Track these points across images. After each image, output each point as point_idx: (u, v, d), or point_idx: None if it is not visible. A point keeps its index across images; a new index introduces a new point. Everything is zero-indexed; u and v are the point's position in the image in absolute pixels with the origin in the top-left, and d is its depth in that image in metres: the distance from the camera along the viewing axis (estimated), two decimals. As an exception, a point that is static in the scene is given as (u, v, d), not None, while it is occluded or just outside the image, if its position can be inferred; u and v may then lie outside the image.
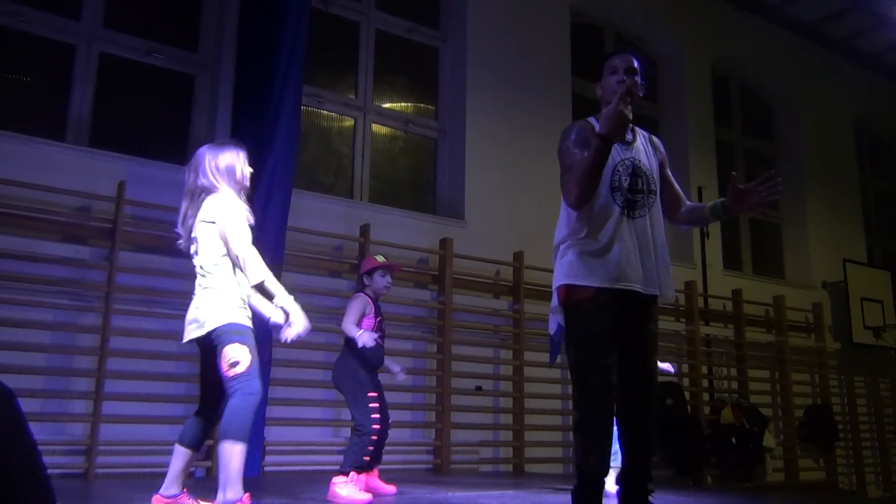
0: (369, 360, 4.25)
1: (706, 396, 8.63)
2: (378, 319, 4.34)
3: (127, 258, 5.43)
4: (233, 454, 2.77)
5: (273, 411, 5.64)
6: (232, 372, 2.87)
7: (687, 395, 8.12)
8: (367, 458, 4.08)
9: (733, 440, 7.94)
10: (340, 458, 5.85)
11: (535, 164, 7.83)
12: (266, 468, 5.63)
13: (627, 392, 2.79)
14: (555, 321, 2.93)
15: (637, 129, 3.06)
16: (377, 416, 4.13)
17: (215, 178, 3.15)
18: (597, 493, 2.68)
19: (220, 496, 2.76)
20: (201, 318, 2.99)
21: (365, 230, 6.52)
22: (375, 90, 7.54)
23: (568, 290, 2.83)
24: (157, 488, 3.12)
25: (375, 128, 7.55)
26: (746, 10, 10.38)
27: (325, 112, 7.34)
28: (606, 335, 2.75)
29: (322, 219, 6.44)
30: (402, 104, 7.87)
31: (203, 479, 5.19)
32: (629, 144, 2.98)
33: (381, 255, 4.60)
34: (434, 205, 7.67)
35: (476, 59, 7.82)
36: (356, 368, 4.21)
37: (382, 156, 7.64)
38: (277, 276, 5.62)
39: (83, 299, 5.40)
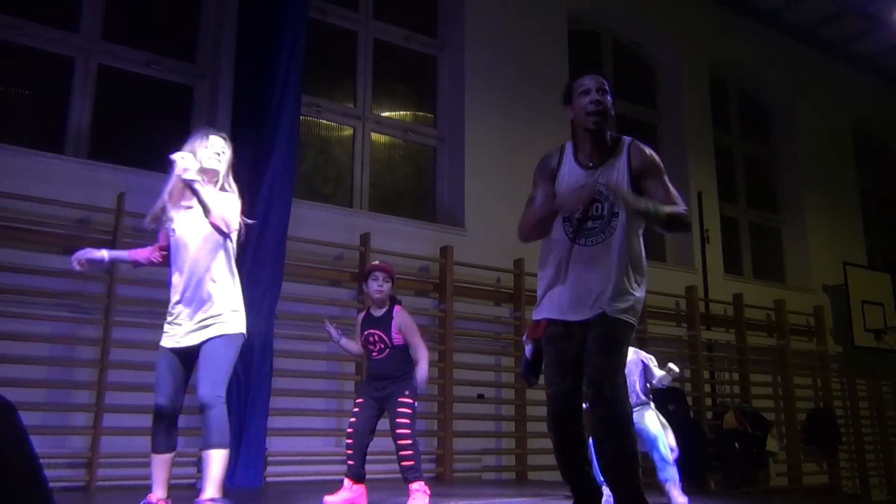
0: (371, 373, 4.19)
1: (708, 401, 8.61)
2: (365, 333, 4.14)
3: (127, 270, 5.41)
4: (217, 459, 3.02)
5: (274, 422, 5.62)
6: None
7: (689, 400, 8.10)
8: (350, 463, 4.05)
9: (736, 445, 7.92)
10: (342, 467, 5.84)
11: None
12: (268, 479, 5.60)
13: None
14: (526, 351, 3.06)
15: (620, 139, 3.00)
16: (351, 419, 4.10)
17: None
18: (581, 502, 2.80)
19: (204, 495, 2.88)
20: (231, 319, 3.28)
21: (365, 239, 6.52)
22: (374, 99, 7.55)
23: (531, 326, 2.99)
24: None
25: (374, 136, 7.55)
26: (743, 15, 10.40)
27: (324, 121, 7.35)
28: (554, 364, 2.87)
29: (322, 228, 6.43)
30: (401, 112, 7.87)
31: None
32: (593, 168, 2.94)
33: (376, 261, 4.54)
34: (434, 213, 7.67)
35: (474, 66, 7.83)
36: None
37: (382, 164, 7.64)
38: (278, 286, 5.62)
39: (83, 311, 5.39)
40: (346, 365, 6.36)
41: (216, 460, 2.95)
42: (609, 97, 2.94)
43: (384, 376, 4.09)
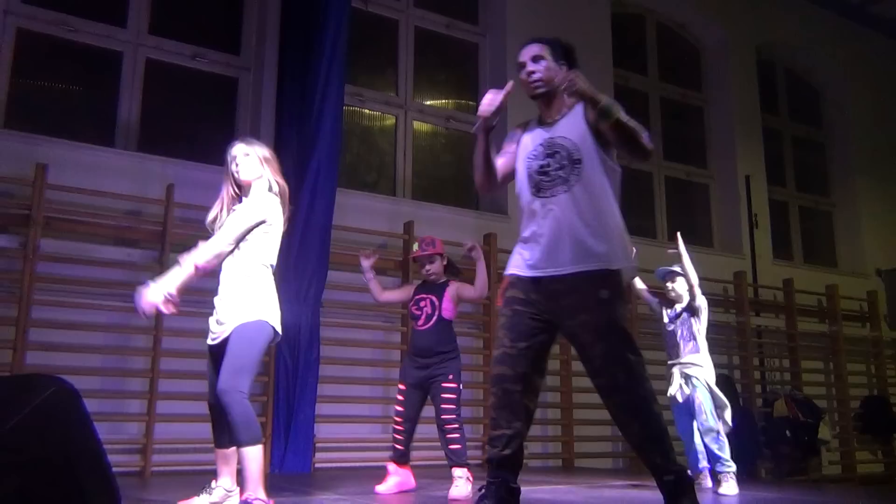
0: (413, 346, 4.24)
1: (758, 388, 8.47)
2: (416, 298, 4.25)
3: (177, 260, 5.50)
4: (251, 456, 2.87)
5: (322, 409, 5.69)
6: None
7: (738, 387, 7.98)
8: (399, 448, 4.08)
9: (787, 433, 7.78)
10: (389, 453, 5.88)
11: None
12: (316, 465, 5.67)
13: (594, 385, 2.77)
14: None
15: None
16: (397, 407, 4.13)
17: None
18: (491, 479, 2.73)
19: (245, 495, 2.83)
20: None
21: (409, 227, 6.54)
22: (416, 87, 7.55)
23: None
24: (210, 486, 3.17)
25: (417, 125, 7.56)
26: (792, -7, 10.14)
27: (367, 111, 7.37)
28: (507, 326, 2.79)
29: (366, 217, 6.47)
30: (443, 100, 7.85)
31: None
32: (551, 124, 2.95)
33: (416, 244, 4.57)
34: (477, 200, 7.65)
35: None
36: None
37: (424, 152, 7.64)
38: (323, 274, 5.67)
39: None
40: (393, 352, 6.40)
41: (248, 458, 2.82)
42: (545, 61, 2.95)
43: (426, 351, 4.11)
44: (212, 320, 3.19)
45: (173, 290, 2.97)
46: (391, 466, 4.12)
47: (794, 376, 8.74)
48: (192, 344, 5.41)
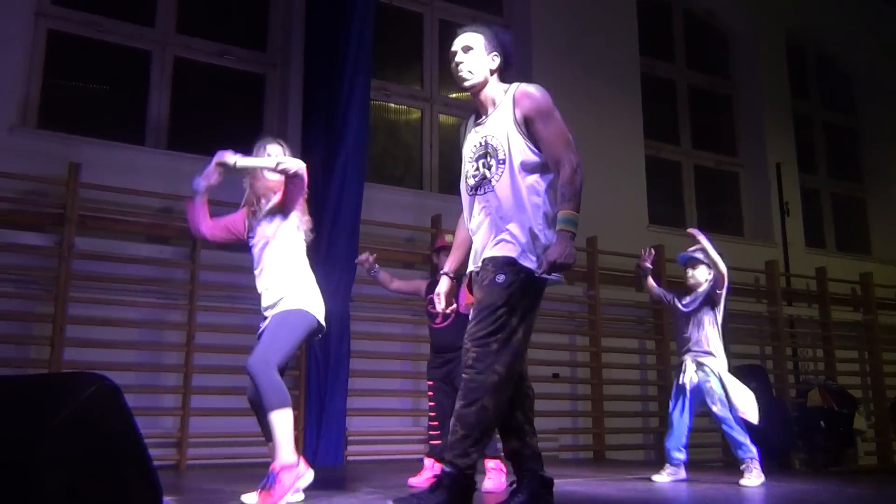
0: (433, 344, 4.25)
1: (791, 379, 8.37)
2: (429, 297, 4.20)
3: (209, 256, 5.58)
4: (280, 420, 2.88)
5: (353, 402, 5.73)
6: None
7: (771, 377, 7.89)
8: (436, 444, 4.09)
9: (822, 423, 7.68)
10: (421, 446, 5.90)
11: (606, 148, 7.71)
12: (349, 458, 5.72)
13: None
14: None
15: (508, 88, 2.85)
16: (430, 402, 4.16)
17: None
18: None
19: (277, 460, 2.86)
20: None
21: (436, 220, 6.55)
22: (441, 80, 7.54)
23: None
24: (246, 479, 3.21)
25: (442, 118, 7.56)
26: (822, -23, 9.96)
27: (393, 105, 7.39)
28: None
29: (393, 211, 6.49)
30: (469, 93, 7.82)
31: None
32: (483, 122, 2.87)
33: (450, 235, 4.57)
34: (504, 192, 7.63)
35: (541, 42, 7.73)
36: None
37: (450, 146, 7.63)
38: (352, 269, 5.71)
39: (169, 297, 5.59)
40: (422, 346, 6.41)
41: (278, 422, 2.84)
42: (474, 52, 2.88)
43: (446, 347, 4.14)
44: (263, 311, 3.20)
45: (230, 162, 3.09)
46: (427, 461, 4.14)
47: (827, 366, 8.62)
48: (225, 339, 5.48)
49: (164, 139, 6.16)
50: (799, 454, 7.90)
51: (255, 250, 3.29)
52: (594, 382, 7.05)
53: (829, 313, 8.66)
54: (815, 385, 8.06)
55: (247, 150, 3.39)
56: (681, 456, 4.39)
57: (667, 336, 7.50)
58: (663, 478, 4.33)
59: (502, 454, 3.65)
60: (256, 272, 3.26)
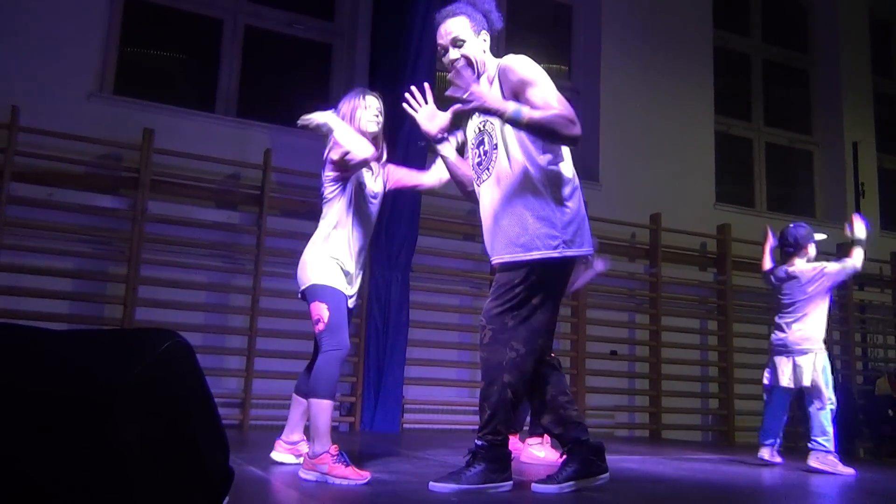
0: None
1: (859, 365, 8.13)
2: None
3: (274, 222, 5.70)
4: (319, 411, 2.84)
5: (411, 371, 5.81)
6: (316, 329, 2.96)
7: (838, 363, 7.69)
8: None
9: (890, 412, 7.47)
10: (475, 417, 5.92)
11: (674, 123, 7.55)
12: (405, 425, 5.82)
13: None
14: None
15: (495, 67, 2.72)
16: None
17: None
18: None
19: (310, 449, 2.88)
20: (299, 276, 3.09)
21: (498, 193, 6.52)
22: (507, 51, 7.44)
23: None
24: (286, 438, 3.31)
25: (508, 90, 7.48)
26: (912, -53, 9.47)
27: (458, 76, 7.34)
28: None
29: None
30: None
31: (347, 434, 5.44)
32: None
33: None
34: (567, 167, 7.55)
35: (611, 15, 7.57)
36: None
37: (515, 118, 7.58)
38: (413, 240, 5.75)
39: (235, 261, 5.74)
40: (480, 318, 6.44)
41: (314, 412, 2.85)
42: (466, 43, 2.69)
43: None
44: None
45: (328, 124, 3.01)
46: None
47: (898, 354, 8.35)
48: (288, 304, 5.58)
49: (234, 107, 6.28)
50: (864, 443, 7.70)
51: (374, 208, 3.20)
52: (653, 361, 6.98)
53: (902, 300, 8.36)
54: (884, 373, 7.83)
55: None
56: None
57: (730, 318, 7.37)
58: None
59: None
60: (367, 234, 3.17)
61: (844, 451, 7.37)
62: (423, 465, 3.43)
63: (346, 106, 3.14)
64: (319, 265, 3.04)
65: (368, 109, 3.11)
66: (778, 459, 4.27)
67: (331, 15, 6.78)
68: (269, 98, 6.50)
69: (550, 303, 2.66)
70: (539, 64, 2.71)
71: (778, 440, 4.32)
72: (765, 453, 4.27)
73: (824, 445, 4.04)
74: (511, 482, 2.65)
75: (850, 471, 3.98)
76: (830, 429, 4.08)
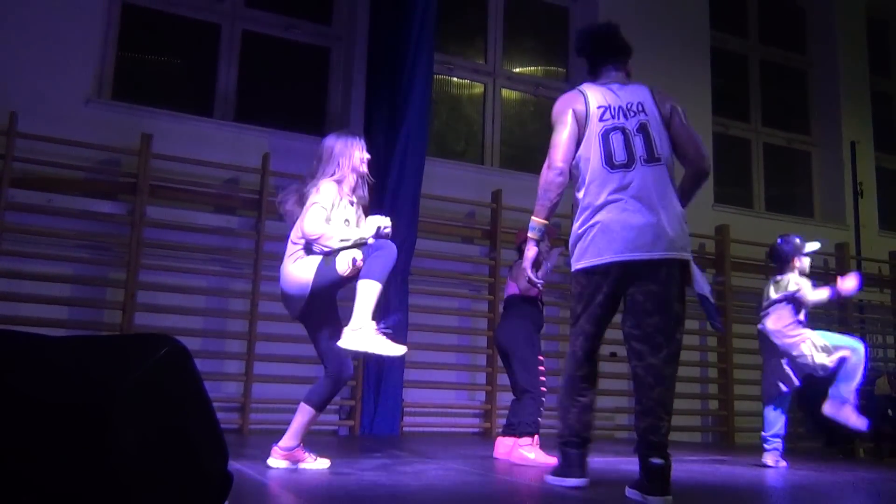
0: (538, 325, 4.30)
1: (859, 365, 8.13)
2: None
3: (273, 227, 5.68)
4: (368, 289, 3.07)
5: (410, 374, 5.80)
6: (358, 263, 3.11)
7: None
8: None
9: (889, 412, 7.47)
10: (476, 420, 5.94)
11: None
12: (405, 428, 5.81)
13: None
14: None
15: None
16: (543, 379, 4.18)
17: (321, 170, 3.26)
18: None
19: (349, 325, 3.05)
20: (286, 288, 3.17)
21: (497, 195, 6.53)
22: (505, 55, 7.48)
23: None
24: (307, 444, 3.30)
25: (505, 93, 7.50)
26: (908, -53, 9.49)
27: (455, 79, 7.36)
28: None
29: (454, 185, 6.50)
30: (532, 68, 7.76)
31: (346, 438, 5.43)
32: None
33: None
34: (566, 169, 7.56)
35: (608, 16, 7.50)
36: (531, 333, 4.23)
37: (513, 121, 7.59)
38: (412, 243, 5.75)
39: (234, 266, 5.74)
40: (479, 321, 6.45)
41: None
42: None
43: (542, 327, 4.44)
44: None
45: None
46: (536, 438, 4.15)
47: (898, 353, 8.35)
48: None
49: (232, 111, 6.29)
50: (864, 443, 7.70)
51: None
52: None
53: (901, 299, 8.36)
54: (883, 372, 7.83)
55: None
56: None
57: (729, 318, 7.36)
58: None
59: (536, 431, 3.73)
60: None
61: (844, 451, 7.38)
62: (422, 468, 3.42)
63: (340, 146, 3.28)
64: (314, 265, 3.23)
65: (363, 153, 3.31)
66: (783, 463, 4.26)
67: (328, 19, 6.79)
68: (267, 102, 6.50)
69: (584, 310, 3.03)
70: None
71: (781, 443, 4.33)
72: (769, 459, 4.27)
73: (842, 395, 4.04)
74: None
75: (862, 422, 3.98)
76: (859, 378, 4.07)
